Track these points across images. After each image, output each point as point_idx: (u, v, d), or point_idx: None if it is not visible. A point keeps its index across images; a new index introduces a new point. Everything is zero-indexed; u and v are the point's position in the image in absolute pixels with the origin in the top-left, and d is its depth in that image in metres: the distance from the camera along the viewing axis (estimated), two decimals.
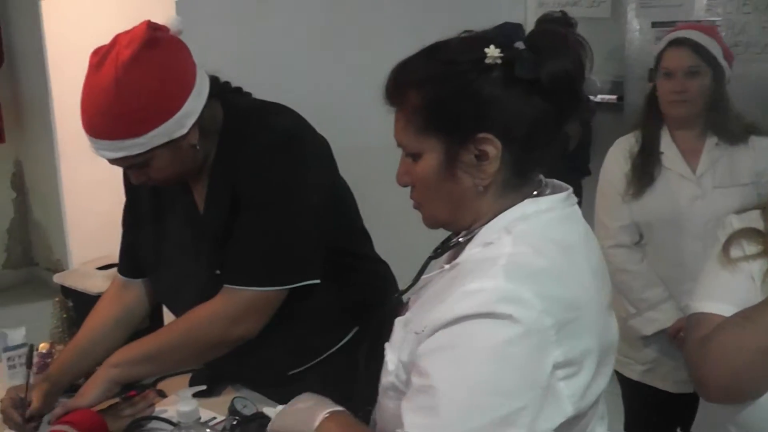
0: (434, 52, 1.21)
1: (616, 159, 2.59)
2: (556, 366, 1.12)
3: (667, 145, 2.53)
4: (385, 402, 1.30)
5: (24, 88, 5.53)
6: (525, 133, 1.18)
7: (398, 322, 1.32)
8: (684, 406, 2.32)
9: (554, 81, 1.16)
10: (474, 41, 1.19)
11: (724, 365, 1.46)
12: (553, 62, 1.16)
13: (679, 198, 2.49)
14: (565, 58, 1.17)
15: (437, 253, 1.37)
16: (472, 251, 1.22)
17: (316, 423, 1.29)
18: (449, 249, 1.33)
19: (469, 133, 1.17)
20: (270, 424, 1.40)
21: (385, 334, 1.37)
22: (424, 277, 1.34)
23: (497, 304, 1.10)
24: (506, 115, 1.16)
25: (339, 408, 1.33)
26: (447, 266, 1.26)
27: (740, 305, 1.50)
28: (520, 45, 1.17)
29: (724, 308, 1.52)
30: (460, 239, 1.28)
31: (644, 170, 2.51)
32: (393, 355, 1.27)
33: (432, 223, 1.29)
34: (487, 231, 1.22)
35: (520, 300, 1.10)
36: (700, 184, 2.48)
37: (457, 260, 1.24)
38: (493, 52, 1.15)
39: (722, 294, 1.55)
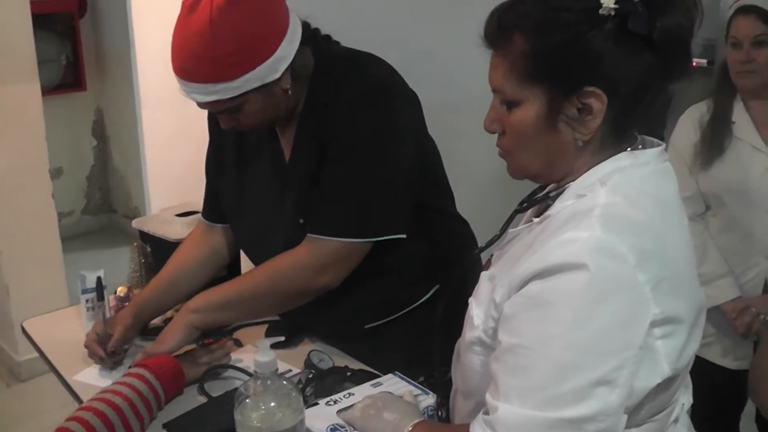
0: None
1: (686, 128, 2.50)
2: (654, 324, 1.08)
3: (739, 114, 2.43)
4: (469, 357, 1.27)
5: (106, 36, 5.60)
6: (631, 89, 1.14)
7: (484, 276, 1.29)
8: (742, 384, 2.24)
9: (666, 37, 1.11)
10: None
11: None
12: (667, 18, 1.10)
13: (750, 169, 2.39)
14: (679, 14, 1.12)
15: (523, 206, 1.33)
16: (564, 203, 1.18)
17: None
18: (537, 203, 1.30)
19: (576, 86, 1.13)
20: (350, 414, 1.39)
21: (464, 290, 1.34)
22: (510, 230, 1.30)
23: (591, 255, 1.06)
24: (615, 70, 1.12)
25: (422, 418, 1.32)
26: (536, 220, 1.22)
27: None
28: None
29: None
30: (550, 194, 1.24)
31: (714, 141, 2.41)
32: (479, 310, 1.24)
33: (519, 173, 1.25)
34: (581, 183, 1.18)
35: (615, 253, 1.06)
36: None
37: (548, 213, 1.20)
38: (608, 2, 1.09)
39: None
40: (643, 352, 1.08)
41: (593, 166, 1.18)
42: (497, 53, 1.19)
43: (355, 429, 1.38)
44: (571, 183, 1.19)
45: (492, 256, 1.36)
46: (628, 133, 1.21)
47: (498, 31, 1.18)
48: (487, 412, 1.12)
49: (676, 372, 1.15)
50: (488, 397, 1.13)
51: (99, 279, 1.96)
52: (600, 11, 1.10)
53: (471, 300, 1.29)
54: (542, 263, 1.09)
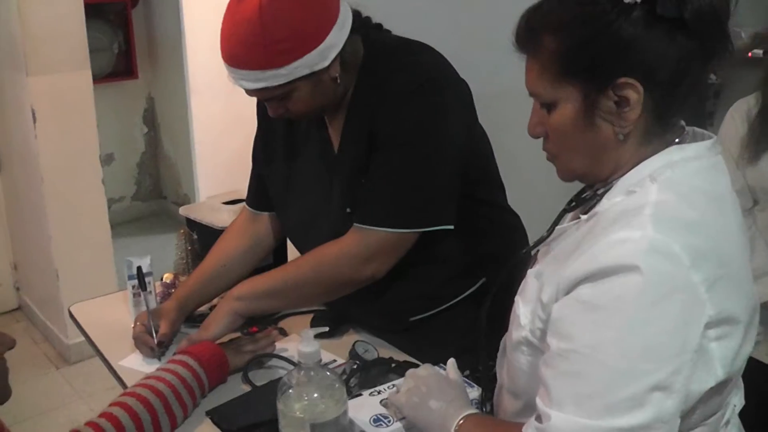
0: None
1: (733, 121, 2.41)
2: (708, 325, 1.05)
3: None
4: (516, 356, 1.24)
5: (157, 25, 5.65)
6: (668, 75, 1.09)
7: (530, 273, 1.26)
8: None
9: (699, 18, 1.06)
10: None
11: None
12: None
13: None
14: None
15: (571, 205, 1.29)
16: (613, 200, 1.14)
17: (452, 430, 1.25)
18: (584, 201, 1.25)
19: (609, 79, 1.09)
20: (396, 398, 1.36)
21: (511, 286, 1.32)
22: (558, 227, 1.26)
23: (644, 257, 1.02)
24: (648, 58, 1.08)
25: (473, 410, 1.28)
26: (584, 217, 1.19)
27: None
28: None
29: None
30: (598, 191, 1.20)
31: (762, 134, 2.32)
32: (525, 309, 1.21)
33: (568, 175, 1.22)
34: (629, 179, 1.14)
35: (668, 253, 1.02)
36: None
37: (596, 210, 1.16)
38: None
39: None
40: (697, 355, 1.04)
41: (640, 160, 1.15)
42: (529, 56, 1.16)
43: (400, 415, 1.36)
44: (619, 179, 1.16)
45: (538, 251, 1.33)
46: (672, 123, 1.17)
47: (527, 34, 1.16)
48: (539, 419, 1.09)
49: (730, 375, 1.11)
50: (540, 404, 1.10)
51: (139, 269, 1.96)
52: (625, 0, 1.06)
53: (517, 298, 1.26)
54: (593, 265, 1.06)
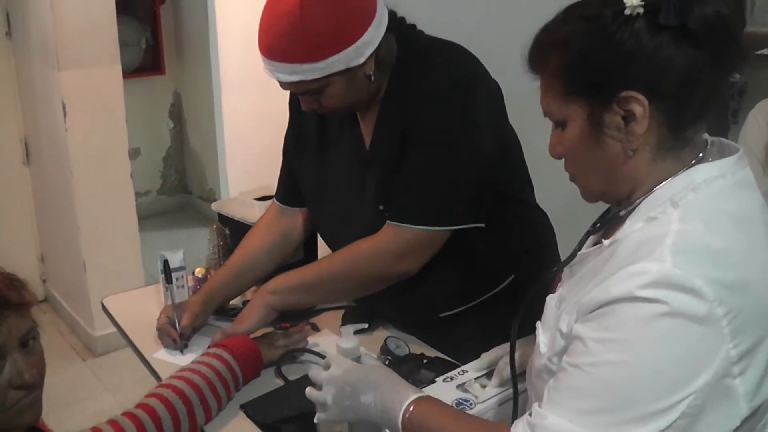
0: (572, 10, 1.12)
1: (757, 123, 2.38)
2: (731, 361, 1.01)
3: None
4: (539, 384, 1.21)
5: (185, 22, 5.67)
6: (676, 87, 1.06)
7: (550, 299, 1.24)
8: None
9: (705, 26, 1.03)
10: None
11: None
12: (703, 4, 1.03)
13: None
14: (718, 0, 1.04)
15: (596, 227, 1.26)
16: (633, 227, 1.11)
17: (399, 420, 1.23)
18: (608, 223, 1.23)
19: (612, 93, 1.07)
20: (330, 413, 1.33)
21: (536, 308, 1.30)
22: (581, 252, 1.23)
23: (662, 290, 0.99)
24: (652, 69, 1.05)
25: (412, 389, 1.26)
26: (606, 242, 1.15)
27: None
28: None
29: None
30: (620, 212, 1.17)
31: None
32: (545, 337, 1.20)
33: (588, 196, 1.20)
34: (651, 203, 1.11)
35: (688, 289, 0.98)
36: None
37: (617, 236, 1.13)
38: (632, 1, 1.04)
39: None
40: (715, 393, 1.01)
41: (659, 176, 1.12)
42: (540, 76, 1.16)
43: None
44: (642, 200, 1.13)
45: (562, 272, 1.30)
46: (688, 137, 1.12)
47: (536, 54, 1.15)
48: (531, 415, 1.09)
49: (755, 407, 1.06)
50: (536, 406, 1.10)
51: (165, 261, 1.97)
52: (625, 12, 1.05)
53: (538, 324, 1.24)
54: (609, 294, 1.03)
